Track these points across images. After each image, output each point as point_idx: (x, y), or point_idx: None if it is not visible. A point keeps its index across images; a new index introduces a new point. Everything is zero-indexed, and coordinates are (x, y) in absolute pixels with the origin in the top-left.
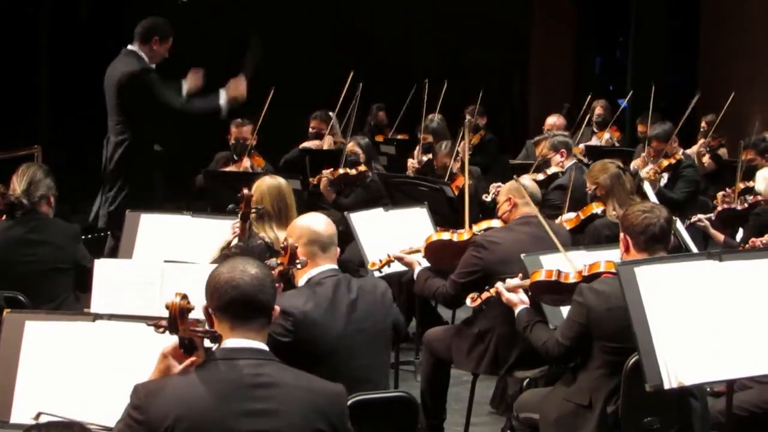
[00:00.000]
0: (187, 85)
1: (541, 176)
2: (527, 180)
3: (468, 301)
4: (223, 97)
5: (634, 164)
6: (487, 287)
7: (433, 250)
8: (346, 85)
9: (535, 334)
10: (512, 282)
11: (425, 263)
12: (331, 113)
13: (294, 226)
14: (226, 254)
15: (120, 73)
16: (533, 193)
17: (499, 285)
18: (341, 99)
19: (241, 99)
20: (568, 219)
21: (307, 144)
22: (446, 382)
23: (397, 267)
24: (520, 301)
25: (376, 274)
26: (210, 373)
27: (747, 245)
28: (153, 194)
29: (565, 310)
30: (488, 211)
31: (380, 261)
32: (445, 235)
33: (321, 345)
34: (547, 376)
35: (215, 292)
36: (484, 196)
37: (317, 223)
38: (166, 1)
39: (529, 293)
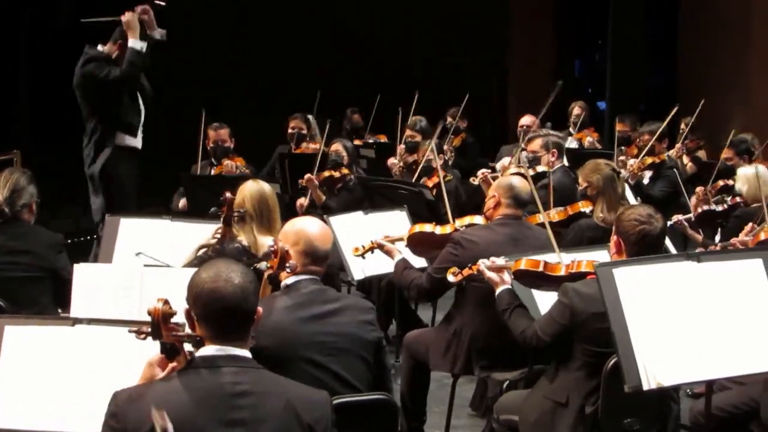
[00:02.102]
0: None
1: (531, 171)
2: (516, 179)
3: (450, 276)
4: (133, 41)
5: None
6: (469, 264)
7: (415, 239)
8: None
9: (515, 320)
10: (497, 261)
11: (406, 252)
12: (310, 116)
13: (291, 231)
14: (201, 257)
15: (75, 75)
16: (519, 193)
17: (481, 263)
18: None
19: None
20: (557, 211)
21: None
22: (426, 384)
23: (378, 267)
24: (501, 281)
25: (358, 260)
26: (190, 381)
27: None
28: (126, 190)
29: (541, 301)
30: (466, 213)
31: (363, 247)
32: (428, 227)
33: (281, 351)
34: (527, 378)
35: (198, 300)
36: (471, 179)
37: (317, 235)
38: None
39: (512, 277)
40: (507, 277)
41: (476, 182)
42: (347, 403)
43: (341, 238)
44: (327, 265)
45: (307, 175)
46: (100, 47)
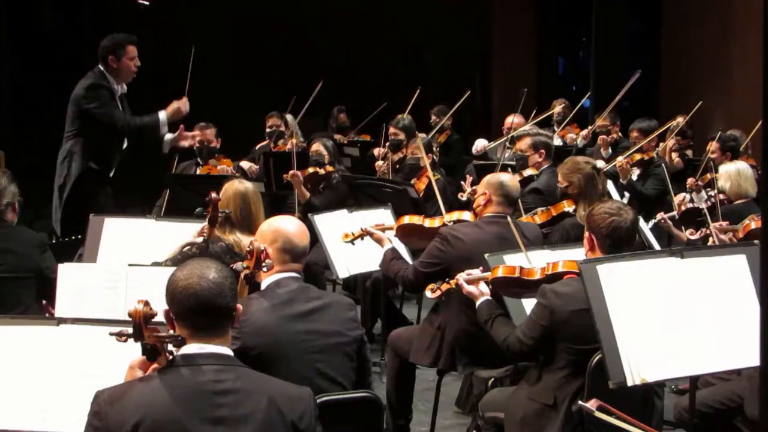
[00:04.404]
0: (168, 113)
1: (517, 177)
2: (506, 177)
3: (428, 293)
4: (163, 113)
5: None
6: (447, 279)
7: (404, 229)
8: (314, 93)
9: (496, 328)
10: (473, 274)
11: (396, 242)
12: (289, 115)
13: (269, 229)
14: (186, 253)
15: (78, 87)
16: (509, 192)
17: (459, 277)
18: (307, 104)
19: (184, 113)
20: (540, 212)
21: (263, 145)
22: (412, 382)
23: (363, 265)
24: (480, 293)
25: (343, 258)
26: (171, 380)
27: (711, 229)
28: (95, 204)
29: (526, 303)
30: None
31: (353, 233)
32: (417, 219)
33: (265, 350)
34: (512, 376)
35: (174, 299)
36: (459, 195)
37: (294, 232)
38: (126, 6)
39: (490, 287)
40: (485, 288)
41: (464, 197)
42: (332, 401)
43: (326, 237)
44: (312, 263)
45: (291, 171)
46: (103, 70)
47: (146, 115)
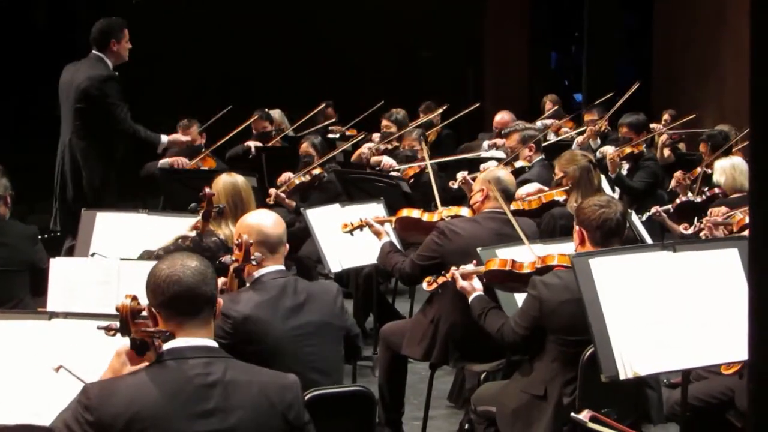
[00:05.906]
0: (171, 138)
1: (508, 169)
2: (503, 173)
3: (424, 285)
4: (165, 138)
5: (577, 141)
6: (443, 272)
7: (403, 223)
8: (316, 110)
9: (490, 320)
10: (467, 268)
11: (392, 235)
12: (276, 110)
13: (242, 225)
14: (179, 245)
15: (85, 77)
16: (507, 187)
17: (454, 271)
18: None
19: (184, 145)
20: (530, 199)
21: (250, 143)
22: (404, 376)
23: (355, 259)
24: (473, 288)
25: (336, 252)
26: (161, 374)
27: (704, 224)
28: (106, 195)
29: (519, 297)
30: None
31: (352, 224)
32: (415, 213)
33: (261, 347)
34: (504, 369)
35: (157, 289)
36: (450, 183)
37: (266, 223)
38: (119, 2)
39: (484, 280)
40: (477, 283)
41: (456, 185)
42: (325, 394)
43: (318, 231)
44: (305, 257)
45: (272, 191)
46: (96, 52)
47: (148, 131)
